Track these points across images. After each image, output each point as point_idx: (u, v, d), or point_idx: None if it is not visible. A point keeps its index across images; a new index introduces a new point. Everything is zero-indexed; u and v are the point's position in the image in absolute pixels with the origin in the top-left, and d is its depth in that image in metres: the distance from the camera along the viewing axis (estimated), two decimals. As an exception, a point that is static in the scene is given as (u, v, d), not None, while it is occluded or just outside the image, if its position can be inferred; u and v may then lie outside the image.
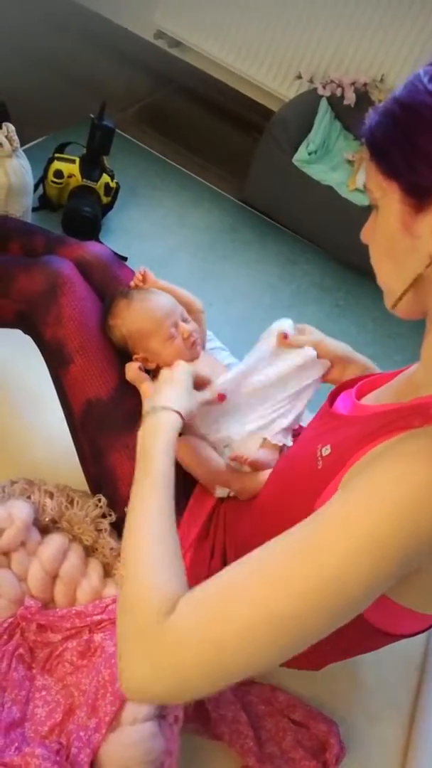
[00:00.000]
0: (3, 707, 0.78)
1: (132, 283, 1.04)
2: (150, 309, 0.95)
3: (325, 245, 2.14)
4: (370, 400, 0.74)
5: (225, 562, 0.85)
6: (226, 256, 1.98)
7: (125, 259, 1.74)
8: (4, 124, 1.29)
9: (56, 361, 0.95)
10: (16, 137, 1.31)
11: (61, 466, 1.08)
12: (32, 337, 0.99)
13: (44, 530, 0.95)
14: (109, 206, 1.77)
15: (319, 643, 0.77)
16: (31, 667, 0.85)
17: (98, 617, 0.86)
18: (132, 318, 0.94)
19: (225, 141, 2.44)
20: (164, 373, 0.84)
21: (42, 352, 0.98)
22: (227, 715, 0.94)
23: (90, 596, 0.90)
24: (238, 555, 0.78)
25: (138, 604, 0.55)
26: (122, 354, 0.96)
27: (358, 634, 0.71)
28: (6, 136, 1.29)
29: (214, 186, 2.21)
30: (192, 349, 0.96)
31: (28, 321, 0.98)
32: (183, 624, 0.52)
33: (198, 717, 0.93)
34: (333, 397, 0.80)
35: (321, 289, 2.02)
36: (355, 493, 0.52)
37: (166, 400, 0.77)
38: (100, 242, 1.73)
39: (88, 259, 1.05)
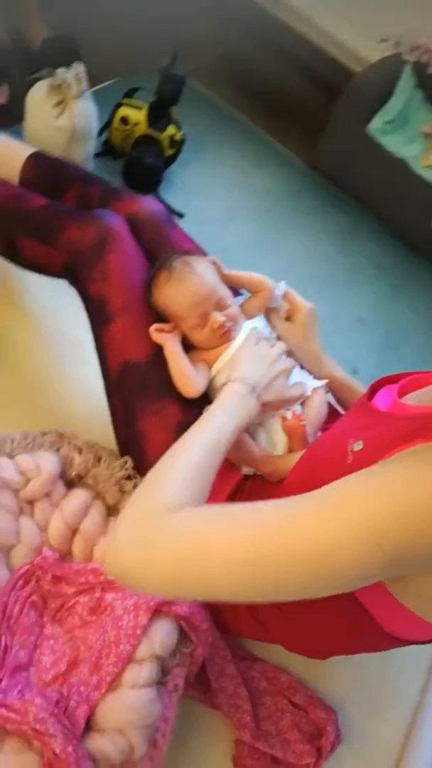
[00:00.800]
0: (11, 650, 0.80)
1: None
2: (182, 294, 0.90)
3: (389, 221, 2.04)
4: (412, 399, 0.71)
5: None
6: (285, 222, 1.91)
7: (182, 215, 1.70)
8: (74, 63, 1.25)
9: (98, 317, 0.94)
10: (84, 79, 1.27)
11: (95, 421, 1.08)
12: (77, 290, 0.98)
13: (70, 484, 0.95)
14: (173, 159, 1.72)
15: (327, 634, 0.77)
16: (42, 615, 0.87)
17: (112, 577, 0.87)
18: (166, 295, 0.91)
19: (301, 101, 2.32)
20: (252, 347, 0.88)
21: (85, 307, 0.97)
22: (228, 687, 0.95)
23: (106, 555, 0.91)
24: None
25: (148, 498, 0.59)
26: (164, 321, 0.94)
27: (365, 633, 0.70)
28: (75, 77, 1.25)
29: (283, 147, 2.12)
30: (222, 338, 0.92)
31: (74, 273, 0.96)
32: (180, 525, 0.56)
33: (199, 685, 0.94)
34: (373, 391, 0.77)
35: (378, 268, 1.93)
36: (383, 477, 0.52)
37: (244, 372, 0.82)
38: (159, 196, 1.70)
39: (141, 216, 1.02)
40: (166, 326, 0.92)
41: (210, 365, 0.94)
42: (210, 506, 0.59)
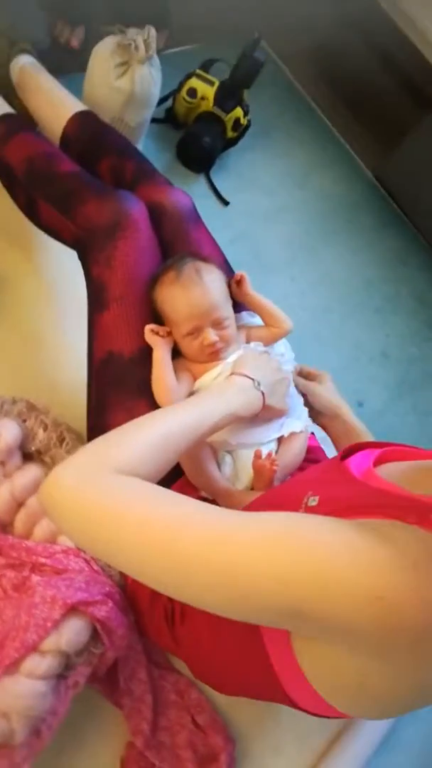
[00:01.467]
0: None
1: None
2: (182, 301, 0.87)
3: (445, 256, 1.96)
4: (385, 471, 0.68)
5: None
6: (334, 233, 1.84)
7: (227, 203, 1.65)
8: (147, 26, 1.20)
9: (94, 301, 0.92)
10: (154, 44, 1.21)
11: (79, 395, 1.07)
12: (82, 267, 0.95)
13: (28, 457, 0.95)
14: (233, 142, 1.66)
15: (231, 676, 0.75)
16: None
17: (43, 560, 0.87)
18: (165, 297, 0.89)
19: (386, 106, 2.19)
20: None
21: (87, 286, 0.95)
22: (135, 691, 0.95)
23: (46, 536, 0.91)
24: None
25: (105, 450, 0.61)
26: (158, 320, 0.92)
27: (267, 687, 0.68)
28: (144, 41, 1.21)
29: (353, 153, 2.03)
30: (210, 356, 0.90)
31: (82, 250, 0.94)
32: (116, 487, 0.56)
33: (108, 681, 0.94)
34: (348, 452, 0.74)
35: (419, 302, 1.85)
36: (326, 533, 0.51)
37: (248, 370, 0.83)
38: (209, 178, 1.64)
39: (166, 207, 0.98)
40: (161, 330, 0.90)
41: (194, 378, 0.91)
42: (153, 486, 0.58)
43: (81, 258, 0.96)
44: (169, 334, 0.90)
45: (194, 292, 0.88)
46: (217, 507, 0.56)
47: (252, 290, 0.97)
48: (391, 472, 0.67)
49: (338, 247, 1.82)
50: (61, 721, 0.81)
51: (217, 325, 0.89)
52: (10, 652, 0.76)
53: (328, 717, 0.68)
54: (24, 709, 0.74)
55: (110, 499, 0.55)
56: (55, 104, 1.18)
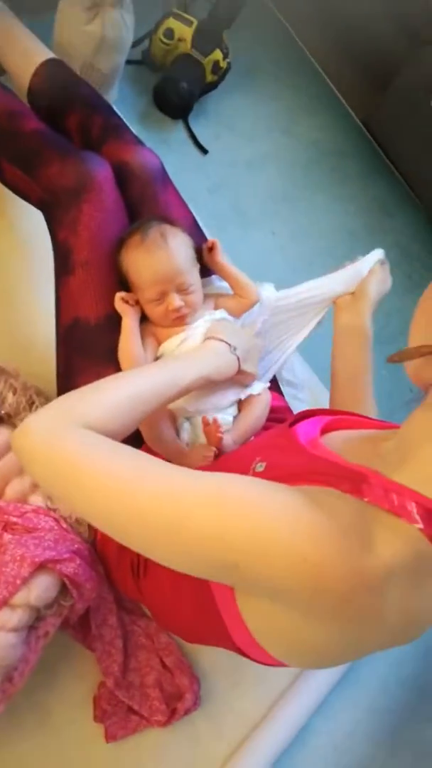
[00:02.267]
0: None
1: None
2: (146, 265, 0.87)
3: (430, 207, 1.92)
4: (331, 440, 0.70)
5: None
6: (319, 182, 1.80)
7: (205, 152, 1.61)
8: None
9: (60, 266, 0.92)
10: (125, -15, 1.15)
11: (51, 353, 1.08)
12: (48, 230, 0.94)
13: (-2, 420, 0.97)
14: (213, 86, 1.60)
15: (187, 625, 0.80)
16: None
17: (14, 519, 0.90)
18: (130, 261, 0.88)
19: (380, 50, 2.09)
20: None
21: (53, 250, 0.94)
22: (105, 635, 1.01)
23: (16, 496, 0.94)
24: None
25: (75, 404, 0.64)
26: (124, 285, 0.92)
27: (219, 637, 0.72)
28: (115, -19, 1.14)
29: (342, 98, 1.95)
30: (174, 322, 0.90)
31: (47, 212, 0.93)
32: (78, 441, 0.59)
33: (80, 627, 1.00)
34: (299, 418, 0.76)
35: (403, 254, 1.84)
36: (270, 494, 0.53)
37: (224, 336, 0.85)
38: (188, 125, 1.59)
39: (132, 167, 0.96)
40: (131, 298, 0.90)
41: (159, 342, 0.92)
42: (114, 441, 0.61)
43: (47, 220, 0.94)
44: (138, 302, 0.90)
45: (159, 256, 0.88)
46: (171, 464, 0.59)
47: (223, 258, 0.97)
48: (335, 441, 0.69)
49: (322, 197, 1.78)
50: (33, 668, 0.87)
51: (182, 290, 0.89)
52: (-19, 607, 0.81)
53: (274, 666, 0.73)
54: (-5, 659, 0.79)
55: (73, 450, 0.58)
56: (22, 53, 1.13)
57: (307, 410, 0.79)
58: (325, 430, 0.73)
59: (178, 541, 0.53)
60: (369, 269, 1.00)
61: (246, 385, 0.93)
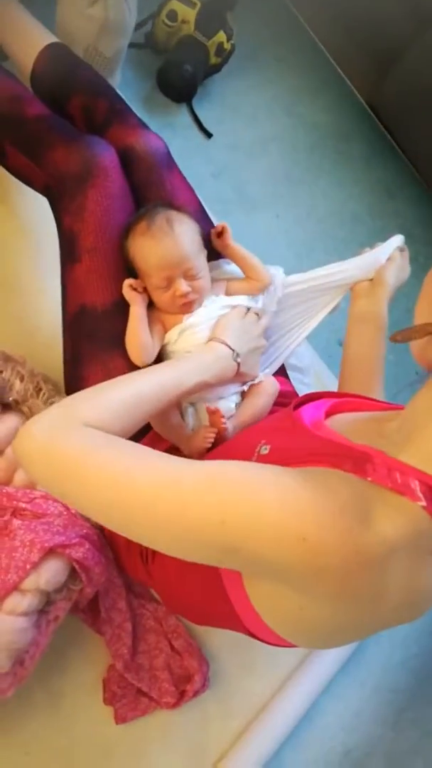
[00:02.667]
0: None
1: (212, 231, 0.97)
2: (153, 251, 0.86)
3: (436, 189, 1.91)
4: (336, 423, 0.71)
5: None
6: (323, 165, 1.78)
7: (210, 135, 1.59)
8: None
9: (66, 252, 0.91)
10: (127, -34, 1.14)
11: (56, 340, 1.09)
12: (54, 216, 0.94)
13: (6, 407, 0.97)
14: (217, 68, 1.58)
15: (196, 607, 0.81)
16: None
17: (23, 505, 0.91)
18: (137, 247, 0.88)
19: (384, 28, 2.05)
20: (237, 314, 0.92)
21: (58, 236, 0.94)
22: (115, 619, 1.02)
23: (25, 483, 0.94)
24: None
25: (78, 405, 0.65)
26: (131, 271, 0.91)
27: (228, 618, 0.73)
28: (117, -38, 1.13)
29: (347, 79, 1.93)
30: (182, 308, 0.90)
31: (52, 198, 0.92)
32: (80, 441, 0.59)
33: (90, 611, 1.02)
34: (302, 401, 0.76)
35: (406, 237, 1.79)
36: (270, 476, 0.54)
37: (230, 338, 0.86)
38: (191, 108, 1.57)
39: (137, 151, 0.95)
40: (139, 285, 0.90)
41: (166, 329, 0.92)
42: (114, 437, 0.62)
43: (52, 206, 0.94)
44: (146, 289, 0.90)
45: (165, 242, 0.87)
46: (169, 455, 0.59)
47: (233, 241, 0.96)
48: (339, 423, 0.70)
49: (326, 179, 1.77)
50: (43, 651, 0.88)
51: (189, 275, 0.89)
52: (-8, 591, 0.82)
53: (283, 647, 0.74)
54: (6, 644, 0.80)
55: (73, 448, 0.58)
56: (24, 37, 1.12)
57: (312, 393, 0.79)
58: (329, 413, 0.73)
59: (180, 530, 0.53)
60: (388, 256, 0.99)
61: (243, 383, 0.94)
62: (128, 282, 0.89)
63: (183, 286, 0.88)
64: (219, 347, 0.85)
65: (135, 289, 0.89)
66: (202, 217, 1.02)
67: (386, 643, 1.25)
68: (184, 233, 0.89)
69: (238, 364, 0.86)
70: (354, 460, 0.54)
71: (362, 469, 0.53)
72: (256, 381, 0.93)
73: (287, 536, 0.48)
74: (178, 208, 0.92)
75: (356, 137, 1.87)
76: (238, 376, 0.88)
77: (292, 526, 0.49)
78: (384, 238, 1.76)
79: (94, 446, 0.59)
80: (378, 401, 0.79)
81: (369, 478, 0.52)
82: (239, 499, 0.51)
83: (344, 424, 0.69)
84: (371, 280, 1.00)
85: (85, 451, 0.58)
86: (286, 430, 0.70)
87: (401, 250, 1.03)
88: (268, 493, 0.51)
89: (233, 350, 0.85)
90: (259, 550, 0.50)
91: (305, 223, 1.67)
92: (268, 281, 0.97)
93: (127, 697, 1.01)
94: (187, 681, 1.04)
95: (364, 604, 0.51)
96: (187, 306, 0.90)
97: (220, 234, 0.96)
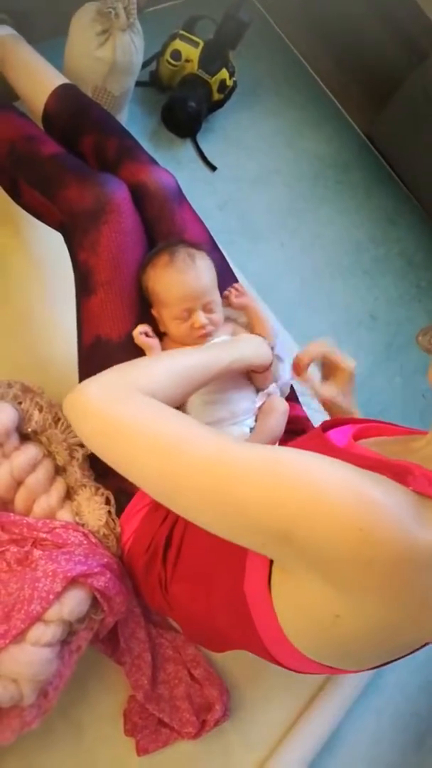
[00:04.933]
0: None
1: (225, 292, 1.01)
2: (176, 284, 0.90)
3: (435, 215, 1.95)
4: (365, 446, 0.72)
5: (172, 531, 0.88)
6: (324, 195, 1.82)
7: (214, 168, 1.64)
8: (136, -14, 1.17)
9: (81, 286, 0.94)
10: (134, 11, 1.18)
11: (69, 371, 1.10)
12: (68, 251, 0.97)
13: (25, 437, 0.99)
14: (219, 104, 1.63)
15: (218, 631, 0.81)
16: (-26, 552, 0.93)
17: (44, 535, 0.92)
18: (158, 279, 0.90)
19: (379, 61, 2.13)
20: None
21: (73, 270, 0.96)
22: (134, 649, 1.02)
23: (45, 513, 0.95)
24: (187, 530, 0.83)
25: (133, 374, 0.69)
26: (146, 303, 0.94)
27: (253, 643, 0.73)
28: (125, 7, 1.17)
29: (345, 111, 1.99)
30: (198, 339, 0.93)
31: (67, 235, 0.95)
32: (136, 403, 0.63)
33: (109, 641, 1.01)
34: (326, 427, 0.78)
35: (408, 263, 1.86)
36: (328, 466, 0.54)
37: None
38: (196, 143, 1.62)
39: (149, 187, 0.99)
40: (150, 330, 0.92)
41: None
42: (168, 407, 0.64)
43: (66, 242, 0.97)
44: (157, 332, 0.93)
45: (188, 275, 0.90)
46: (223, 433, 0.61)
47: (248, 298, 1.01)
48: (368, 446, 0.70)
49: (328, 208, 1.81)
50: (66, 682, 0.88)
51: (208, 309, 0.92)
52: (16, 623, 0.82)
53: (301, 672, 0.74)
54: (32, 675, 0.80)
55: (129, 410, 0.61)
56: (35, 79, 1.16)
57: (335, 418, 0.81)
58: (356, 438, 0.75)
59: (230, 508, 0.54)
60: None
61: (261, 388, 0.96)
62: (140, 330, 0.91)
63: (202, 318, 0.90)
64: (251, 336, 0.93)
65: (146, 335, 0.92)
66: (212, 249, 1.05)
67: (404, 668, 1.24)
68: (206, 268, 0.93)
69: (273, 350, 0.92)
70: (394, 472, 0.55)
71: (404, 480, 0.54)
72: (269, 391, 0.95)
73: (345, 524, 0.49)
74: (195, 245, 0.96)
75: (356, 167, 1.92)
76: (268, 372, 0.92)
77: (350, 515, 0.49)
78: (387, 263, 1.81)
79: (150, 413, 0.62)
80: (399, 426, 0.80)
81: (411, 488, 0.53)
82: (299, 484, 0.52)
83: (373, 446, 0.70)
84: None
85: (139, 416, 0.61)
86: (317, 450, 0.71)
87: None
88: (327, 477, 0.52)
89: (264, 338, 0.92)
90: (313, 536, 0.50)
91: (309, 252, 1.70)
92: (272, 334, 1.00)
93: (149, 728, 1.00)
94: (208, 710, 1.03)
95: (406, 607, 0.51)
96: (203, 338, 0.92)
97: (238, 294, 1.01)
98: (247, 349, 0.88)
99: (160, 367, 0.72)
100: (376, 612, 0.52)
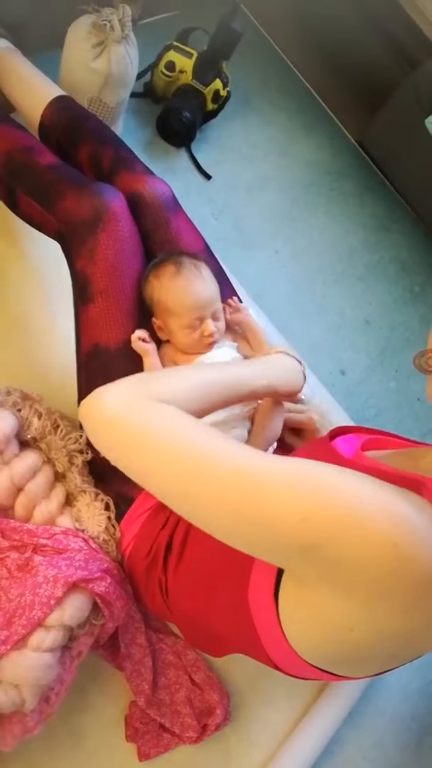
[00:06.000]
0: None
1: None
2: (186, 293, 0.91)
3: (427, 221, 1.97)
4: (373, 457, 0.72)
5: (173, 536, 0.89)
6: (318, 202, 1.84)
7: (209, 177, 1.66)
8: (121, 6, 1.19)
9: (79, 294, 0.95)
10: (129, 23, 1.20)
11: (67, 378, 1.11)
12: (66, 260, 0.98)
13: (24, 444, 0.99)
14: (213, 114, 1.65)
15: (218, 636, 0.82)
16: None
17: (44, 541, 0.92)
18: (167, 289, 0.92)
19: (370, 70, 2.14)
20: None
21: (71, 279, 0.97)
22: (135, 655, 1.02)
23: (44, 519, 0.96)
24: (188, 534, 0.83)
25: (153, 383, 0.66)
26: (145, 309, 0.95)
27: (253, 648, 0.74)
28: (119, 20, 1.19)
29: (337, 119, 2.01)
30: (205, 348, 0.94)
31: (64, 244, 0.96)
32: (155, 412, 0.61)
33: (110, 647, 1.02)
34: (332, 435, 0.78)
35: (402, 268, 1.88)
36: (355, 480, 0.53)
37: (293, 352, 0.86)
38: (191, 152, 1.64)
39: (144, 197, 1.00)
40: (147, 336, 0.93)
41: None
42: (188, 415, 0.62)
43: (64, 251, 0.98)
44: (160, 329, 0.94)
45: (197, 285, 0.93)
46: (246, 445, 0.59)
47: (247, 316, 1.02)
48: (375, 458, 0.70)
49: (321, 216, 1.83)
50: (68, 688, 0.88)
51: (215, 317, 0.94)
52: (18, 629, 0.83)
53: (297, 677, 0.74)
54: (33, 680, 0.81)
55: (151, 418, 0.59)
56: (31, 90, 1.18)
57: (341, 427, 0.81)
58: (363, 449, 0.74)
59: (253, 523, 0.52)
60: None
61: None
62: (138, 335, 0.92)
63: (212, 326, 0.92)
64: (286, 358, 0.85)
65: (143, 340, 0.92)
66: (209, 257, 1.06)
67: (404, 670, 1.24)
68: (211, 277, 0.95)
69: (305, 379, 0.86)
70: (407, 486, 0.54)
71: (418, 492, 0.53)
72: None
73: (378, 539, 0.48)
74: (195, 256, 0.97)
75: (349, 174, 1.94)
76: (296, 395, 0.87)
77: (385, 530, 0.48)
78: (381, 269, 1.83)
79: (170, 423, 0.60)
80: (403, 438, 0.81)
81: (426, 500, 0.52)
82: (329, 497, 0.51)
83: (382, 458, 0.70)
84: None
85: (161, 425, 0.59)
86: (326, 460, 0.70)
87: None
88: (359, 494, 0.51)
89: (301, 362, 0.86)
90: (342, 550, 0.49)
91: (304, 258, 1.72)
92: (267, 348, 1.01)
93: (150, 733, 1.01)
94: (209, 715, 1.03)
95: (425, 622, 0.51)
96: (212, 345, 0.94)
97: (236, 308, 1.02)
98: (279, 375, 0.81)
99: (184, 380, 0.68)
100: (393, 626, 0.52)
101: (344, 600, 0.53)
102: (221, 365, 0.78)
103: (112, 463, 0.63)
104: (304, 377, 0.86)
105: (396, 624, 0.51)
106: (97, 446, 0.64)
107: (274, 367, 0.82)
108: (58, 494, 0.98)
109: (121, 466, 0.62)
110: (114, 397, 0.62)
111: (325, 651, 0.61)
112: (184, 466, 0.55)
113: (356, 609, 0.52)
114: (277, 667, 0.73)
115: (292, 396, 0.85)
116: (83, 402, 0.64)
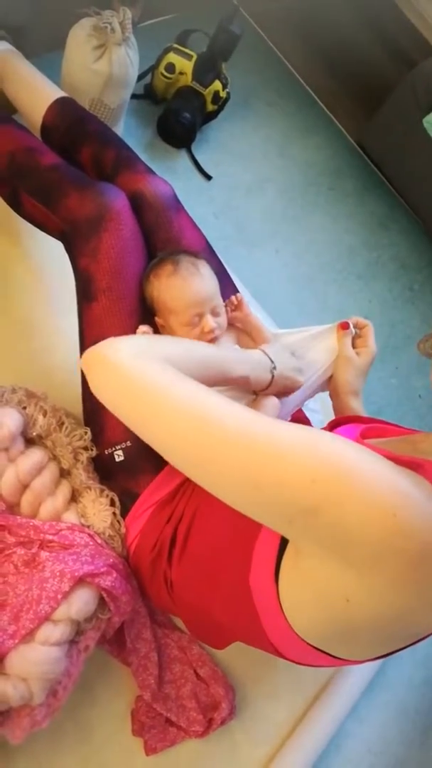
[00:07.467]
0: None
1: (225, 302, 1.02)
2: (184, 290, 0.92)
3: (426, 219, 1.98)
4: (372, 443, 0.74)
5: (177, 529, 0.90)
6: (317, 201, 1.86)
7: (209, 178, 1.67)
8: (121, 8, 1.20)
9: (82, 292, 0.96)
10: (130, 25, 1.22)
11: (71, 377, 1.12)
12: (69, 259, 0.99)
13: (30, 441, 1.00)
14: (213, 115, 1.67)
15: (220, 628, 0.82)
16: (-18, 554, 0.94)
17: (50, 537, 0.93)
18: (165, 287, 0.93)
19: (367, 70, 2.18)
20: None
21: (74, 278, 0.98)
22: (141, 649, 1.03)
23: (50, 515, 0.97)
24: (192, 526, 0.84)
25: (158, 347, 0.68)
26: (147, 307, 0.96)
27: (256, 637, 0.75)
28: (120, 22, 1.21)
29: (335, 119, 2.03)
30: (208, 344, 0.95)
31: (67, 243, 0.97)
32: (167, 370, 0.62)
33: (116, 642, 1.03)
34: (333, 425, 0.80)
35: (401, 266, 1.89)
36: (365, 454, 0.54)
37: (273, 354, 0.91)
38: (191, 153, 1.65)
39: (146, 196, 1.01)
40: (151, 331, 0.94)
41: None
42: (196, 381, 0.63)
43: (67, 250, 0.99)
44: (162, 327, 0.95)
45: (194, 281, 0.93)
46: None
47: (248, 311, 1.02)
48: (376, 444, 0.72)
49: (321, 215, 1.84)
50: (75, 682, 0.89)
51: (215, 312, 0.95)
52: (25, 623, 0.83)
53: (303, 664, 0.75)
54: (42, 674, 0.82)
55: (161, 376, 0.60)
56: (33, 93, 1.19)
57: (341, 417, 0.83)
58: (363, 437, 0.76)
59: (261, 482, 0.53)
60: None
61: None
62: (142, 330, 0.93)
63: (211, 321, 0.93)
64: (261, 356, 0.90)
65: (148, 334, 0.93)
66: (210, 255, 1.07)
67: (408, 663, 1.26)
68: (209, 274, 0.96)
69: (272, 378, 0.89)
70: (406, 467, 0.55)
71: (417, 472, 0.55)
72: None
73: (378, 508, 0.49)
74: (194, 253, 0.98)
75: (348, 174, 1.95)
76: (270, 389, 0.91)
77: (385, 499, 0.49)
78: (380, 267, 1.84)
79: (181, 379, 0.61)
80: (400, 426, 0.82)
81: (424, 478, 0.54)
82: (338, 463, 0.52)
83: (379, 444, 0.71)
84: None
85: (172, 381, 0.60)
86: None
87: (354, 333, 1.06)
88: (364, 463, 0.52)
89: (272, 362, 0.89)
90: (343, 516, 0.50)
91: (303, 257, 1.73)
92: (268, 337, 1.03)
93: (156, 727, 1.02)
94: (214, 709, 1.04)
95: (421, 597, 0.52)
96: (213, 341, 0.95)
97: (238, 306, 1.02)
98: (252, 369, 0.86)
99: (188, 350, 0.72)
100: (388, 598, 0.52)
101: (341, 568, 0.54)
102: (219, 348, 0.82)
103: (111, 409, 0.64)
104: (272, 376, 0.89)
105: (390, 597, 0.52)
106: (95, 391, 0.65)
107: (252, 362, 0.87)
108: (64, 491, 0.99)
109: (124, 417, 0.63)
110: (126, 349, 0.63)
111: (323, 628, 0.61)
112: (197, 423, 0.56)
113: (352, 578, 0.53)
114: (278, 652, 0.74)
115: (258, 392, 0.90)
116: (92, 347, 0.65)
